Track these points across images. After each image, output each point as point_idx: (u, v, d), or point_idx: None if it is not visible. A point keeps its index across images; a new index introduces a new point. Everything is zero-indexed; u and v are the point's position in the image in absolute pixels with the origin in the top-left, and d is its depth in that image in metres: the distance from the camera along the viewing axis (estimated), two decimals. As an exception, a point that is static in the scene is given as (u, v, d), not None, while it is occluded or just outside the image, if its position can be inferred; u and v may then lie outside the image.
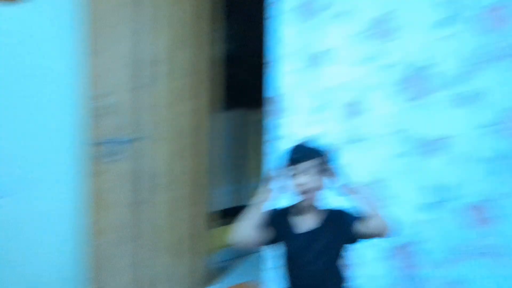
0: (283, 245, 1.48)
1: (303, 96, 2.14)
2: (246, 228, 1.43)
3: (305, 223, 1.47)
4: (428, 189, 1.76)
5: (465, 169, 1.66)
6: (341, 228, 1.44)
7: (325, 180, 1.44)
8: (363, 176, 1.92)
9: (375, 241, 1.42)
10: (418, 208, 1.80)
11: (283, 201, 1.46)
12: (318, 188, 1.43)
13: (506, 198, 1.57)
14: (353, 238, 1.44)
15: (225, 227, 3.20)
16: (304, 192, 1.43)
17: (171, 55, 2.48)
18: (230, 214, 3.19)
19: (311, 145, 1.50)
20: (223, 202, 3.16)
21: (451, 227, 1.71)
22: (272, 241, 1.48)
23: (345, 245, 1.47)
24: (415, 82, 1.77)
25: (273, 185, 1.47)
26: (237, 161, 3.15)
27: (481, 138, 1.61)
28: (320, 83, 2.08)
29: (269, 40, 2.30)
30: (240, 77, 3.41)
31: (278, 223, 1.48)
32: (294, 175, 1.44)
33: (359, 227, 1.41)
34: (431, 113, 1.74)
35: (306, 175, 1.42)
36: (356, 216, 1.43)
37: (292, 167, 1.44)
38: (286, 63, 2.22)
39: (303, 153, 1.45)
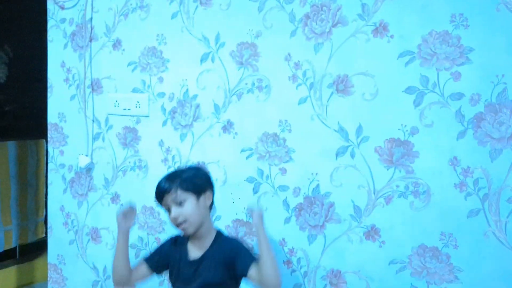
0: (172, 272, 1.49)
1: (85, 122, 2.11)
2: (117, 270, 1.48)
3: (193, 252, 1.46)
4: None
5: (235, 190, 1.81)
6: (227, 261, 1.41)
7: (201, 206, 1.42)
8: (142, 201, 1.97)
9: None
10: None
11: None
12: (191, 216, 1.39)
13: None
14: (238, 276, 1.42)
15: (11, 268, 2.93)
16: (178, 225, 1.40)
17: None
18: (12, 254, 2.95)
19: (174, 175, 1.47)
20: (7, 241, 2.89)
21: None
22: (162, 269, 1.53)
23: (228, 279, 1.42)
24: (184, 110, 1.89)
25: (124, 222, 1.52)
26: (19, 195, 2.95)
27: (244, 162, 1.79)
28: (101, 109, 2.08)
29: (50, 65, 2.22)
30: (18, 103, 3.24)
31: (172, 251, 1.50)
32: (166, 210, 1.43)
33: (252, 269, 1.37)
34: (200, 140, 1.87)
35: (175, 207, 1.39)
36: (251, 255, 1.41)
37: (160, 203, 1.45)
38: (68, 88, 2.17)
39: (163, 187, 1.42)
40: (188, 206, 1.39)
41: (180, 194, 1.39)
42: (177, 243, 1.51)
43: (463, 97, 1.44)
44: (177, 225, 1.41)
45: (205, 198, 1.44)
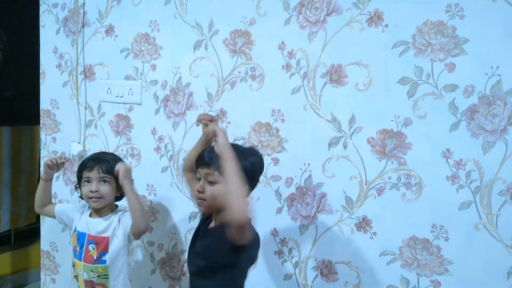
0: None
1: (78, 109, 2.09)
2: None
3: (212, 223, 1.39)
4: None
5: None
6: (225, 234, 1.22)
7: None
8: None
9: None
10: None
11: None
12: (213, 200, 1.29)
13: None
14: (230, 244, 1.22)
15: (6, 254, 2.94)
16: (198, 198, 1.32)
17: None
18: (7, 240, 2.96)
19: None
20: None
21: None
22: None
23: (229, 256, 1.27)
24: (176, 98, 1.88)
25: None
26: (11, 181, 2.95)
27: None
28: (94, 96, 2.06)
29: (43, 50, 2.20)
30: (14, 89, 3.20)
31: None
32: (198, 178, 1.35)
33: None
34: (192, 128, 1.86)
35: (204, 182, 1.32)
36: None
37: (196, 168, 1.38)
38: (61, 74, 2.15)
39: (206, 160, 1.31)
40: (217, 189, 1.28)
41: (217, 175, 1.26)
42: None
43: (457, 89, 1.42)
44: (197, 197, 1.33)
45: None
